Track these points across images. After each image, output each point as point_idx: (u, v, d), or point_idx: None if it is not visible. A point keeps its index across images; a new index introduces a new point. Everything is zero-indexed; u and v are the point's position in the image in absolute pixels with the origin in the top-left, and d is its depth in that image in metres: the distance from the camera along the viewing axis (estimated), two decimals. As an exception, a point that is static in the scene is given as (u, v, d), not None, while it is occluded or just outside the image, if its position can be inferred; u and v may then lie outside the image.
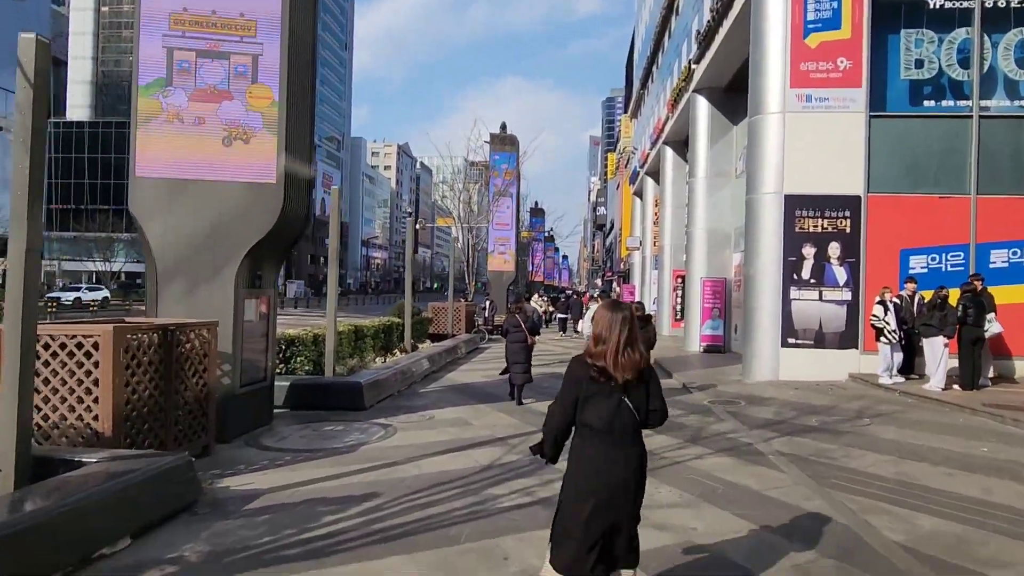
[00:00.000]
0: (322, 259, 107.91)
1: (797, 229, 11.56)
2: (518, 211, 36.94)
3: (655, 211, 29.89)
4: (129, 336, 5.57)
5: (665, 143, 24.26)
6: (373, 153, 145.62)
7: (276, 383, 9.04)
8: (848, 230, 11.48)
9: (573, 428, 3.05)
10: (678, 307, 23.97)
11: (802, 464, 6.30)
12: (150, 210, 7.05)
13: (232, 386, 7.26)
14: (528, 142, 58.59)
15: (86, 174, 75.06)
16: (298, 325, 12.88)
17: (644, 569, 3.96)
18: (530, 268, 64.45)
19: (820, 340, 11.51)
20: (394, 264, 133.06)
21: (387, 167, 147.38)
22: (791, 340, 11.52)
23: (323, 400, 9.15)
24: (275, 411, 8.61)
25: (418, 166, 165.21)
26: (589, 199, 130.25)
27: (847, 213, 11.50)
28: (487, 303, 24.38)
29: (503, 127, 36.29)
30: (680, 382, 11.95)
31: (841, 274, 11.50)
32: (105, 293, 44.44)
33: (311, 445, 7.12)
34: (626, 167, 46.33)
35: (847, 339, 11.46)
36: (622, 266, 46.45)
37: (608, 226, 76.36)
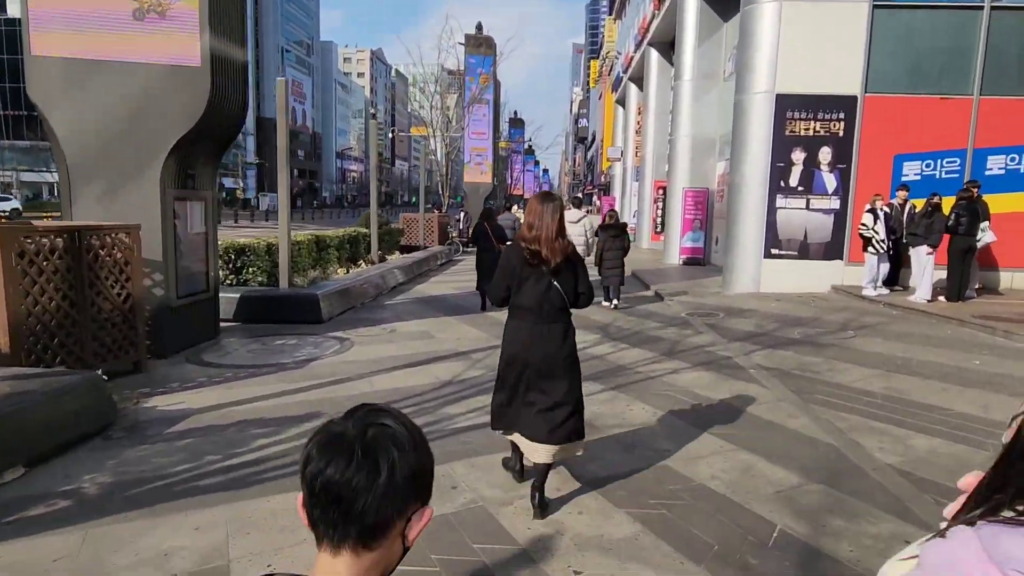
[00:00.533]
0: (296, 171, 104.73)
1: (787, 132, 10.79)
2: (496, 120, 35.39)
3: (638, 120, 28.67)
4: (25, 239, 4.80)
5: (650, 44, 22.80)
6: (345, 59, 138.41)
7: (224, 295, 8.38)
8: (841, 133, 10.74)
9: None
10: (659, 219, 23.33)
11: (785, 379, 5.89)
12: (53, 96, 6.07)
13: (167, 297, 6.56)
14: (505, 42, 55.37)
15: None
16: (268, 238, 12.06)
17: (609, 496, 3.52)
18: (508, 181, 62.94)
19: (804, 251, 11.02)
20: (368, 176, 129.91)
21: (360, 74, 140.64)
22: (774, 251, 11.01)
23: (278, 313, 8.52)
24: (224, 325, 7.99)
25: (393, 74, 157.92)
26: (571, 111, 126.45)
27: (841, 115, 10.71)
28: (461, 215, 23.50)
29: (479, 27, 34.05)
30: (658, 293, 11.49)
31: (831, 181, 10.87)
32: (15, 204, 37.16)
33: (257, 360, 6.54)
34: (609, 74, 44.30)
35: (832, 250, 10.98)
36: (603, 179, 45.39)
37: (590, 139, 74.37)
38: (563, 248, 3.30)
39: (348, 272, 12.13)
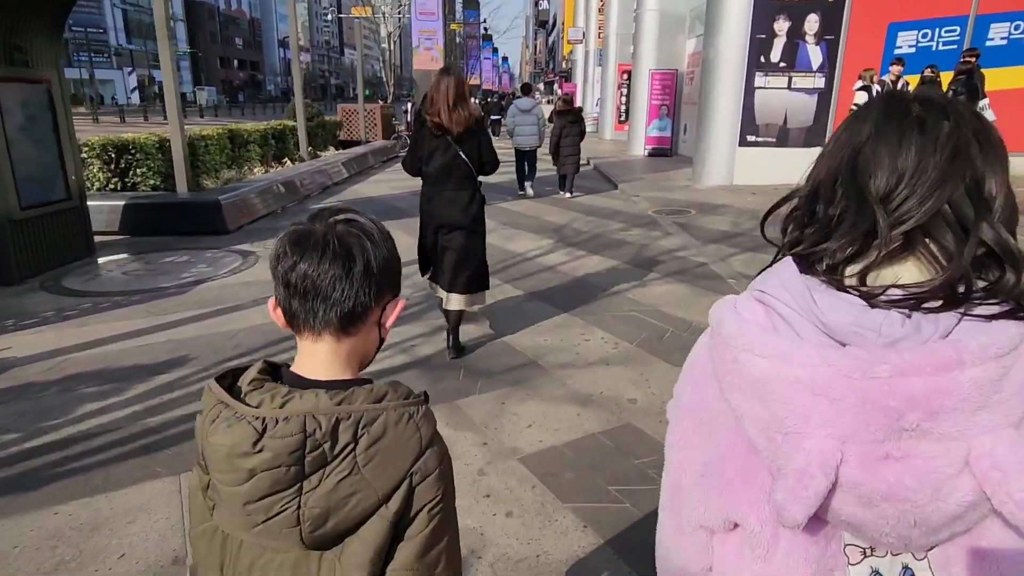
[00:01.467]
0: (236, 62, 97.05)
1: (771, -3, 9.32)
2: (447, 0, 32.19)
3: (600, -4, 26.21)
4: None
5: (615, -96, 20.23)
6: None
7: (102, 203, 6.95)
8: (832, -2, 9.32)
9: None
10: (623, 107, 21.77)
11: (770, 290, 4.92)
12: None
13: (6, 207, 5.15)
14: None
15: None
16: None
17: (560, 458, 2.54)
18: (465, 70, 59.18)
19: (783, 137, 9.87)
20: (319, 68, 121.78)
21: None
22: (750, 138, 9.83)
23: (174, 223, 7.14)
24: (105, 239, 6.64)
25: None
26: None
27: (833, -25, 9.25)
28: (408, 105, 21.44)
29: None
30: (621, 190, 10.33)
31: (816, 55, 9.56)
32: None
33: (131, 285, 5.28)
34: (570, -53, 40.49)
35: (814, 135, 9.85)
36: (564, 64, 42.68)
37: (551, 22, 69.79)
38: (463, 118, 3.47)
39: (270, 171, 10.60)
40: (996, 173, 0.65)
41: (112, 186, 7.65)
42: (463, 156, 3.55)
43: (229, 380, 0.85)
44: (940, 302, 0.61)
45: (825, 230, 0.68)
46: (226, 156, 9.91)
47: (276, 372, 0.88)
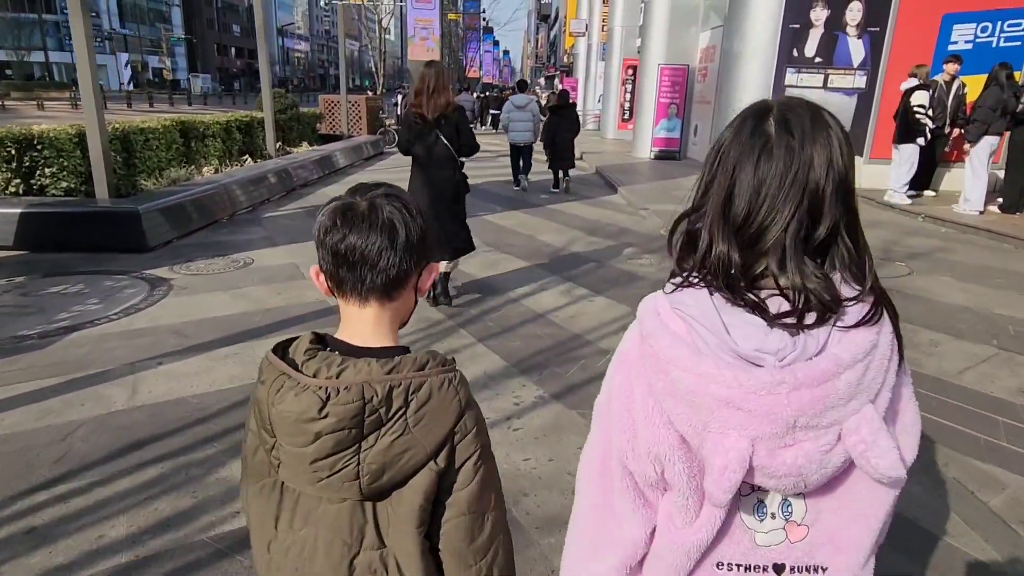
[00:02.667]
0: (233, 49, 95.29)
1: (808, -20, 8.00)
2: (443, -15, 30.80)
3: (605, -14, 24.83)
4: None
5: None
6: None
7: (-11, 211, 5.63)
8: (879, -18, 8.01)
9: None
10: (627, 104, 20.45)
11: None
12: None
13: None
14: None
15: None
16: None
17: None
18: (464, 63, 57.68)
19: (816, 144, 8.57)
20: (318, 57, 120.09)
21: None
22: (778, 144, 8.53)
23: (83, 237, 5.82)
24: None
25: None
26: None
27: (881, -44, 7.93)
28: (399, 97, 20.03)
29: None
30: (627, 200, 9.02)
31: (858, 50, 8.25)
32: None
33: (-17, 330, 3.96)
34: (574, -63, 38.99)
35: (853, 142, 8.55)
36: (566, 59, 41.22)
37: (553, 16, 68.23)
38: (439, 105, 4.01)
39: (224, 171, 9.27)
40: (834, 180, 0.77)
41: (13, 189, 6.30)
42: (443, 140, 4.04)
43: (281, 351, 0.92)
44: (815, 317, 0.76)
45: (705, 254, 0.81)
46: (176, 152, 8.58)
47: (323, 341, 0.95)
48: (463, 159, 4.26)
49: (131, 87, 59.13)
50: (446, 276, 4.44)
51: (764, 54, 8.29)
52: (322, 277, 0.94)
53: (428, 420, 0.87)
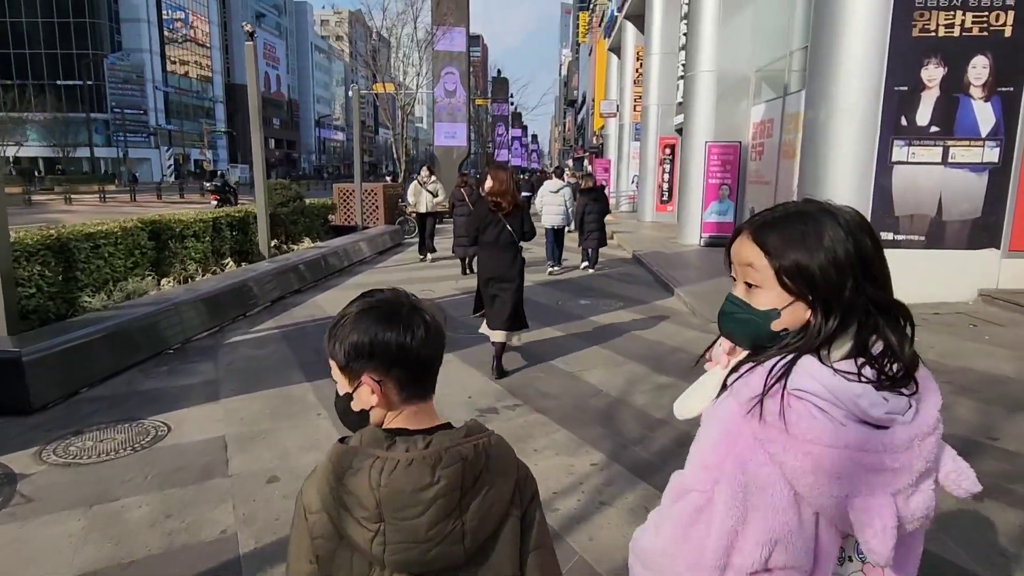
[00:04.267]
0: (272, 141, 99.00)
1: (916, 33, 6.33)
2: (469, 71, 30.50)
3: (637, 67, 24.02)
4: None
5: (654, -36, 18.08)
6: (323, 21, 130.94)
7: None
8: (1009, 32, 6.29)
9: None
10: (665, 185, 18.96)
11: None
12: None
13: None
14: None
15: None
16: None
17: None
18: (491, 147, 57.91)
19: (937, 235, 6.65)
20: (351, 146, 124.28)
21: (339, 38, 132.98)
22: (886, 235, 6.62)
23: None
24: None
25: (375, 36, 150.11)
26: (560, 74, 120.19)
27: (1010, 1, 6.25)
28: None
29: (448, -37, 28.95)
30: (689, 306, 7.13)
31: (986, 115, 6.46)
32: None
33: None
34: (600, 24, 39.17)
35: (983, 232, 6.62)
36: (594, 140, 40.57)
37: (580, 100, 69.06)
38: (513, 201, 4.85)
39: (200, 280, 7.71)
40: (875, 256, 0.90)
41: None
42: (509, 228, 4.82)
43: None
44: (909, 384, 0.87)
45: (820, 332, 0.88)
46: (142, 258, 7.10)
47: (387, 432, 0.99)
48: (523, 243, 4.98)
49: (172, 179, 60.83)
50: (503, 346, 4.87)
51: (862, 119, 6.53)
52: (379, 389, 0.99)
53: (502, 471, 0.98)
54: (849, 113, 6.52)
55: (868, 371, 0.84)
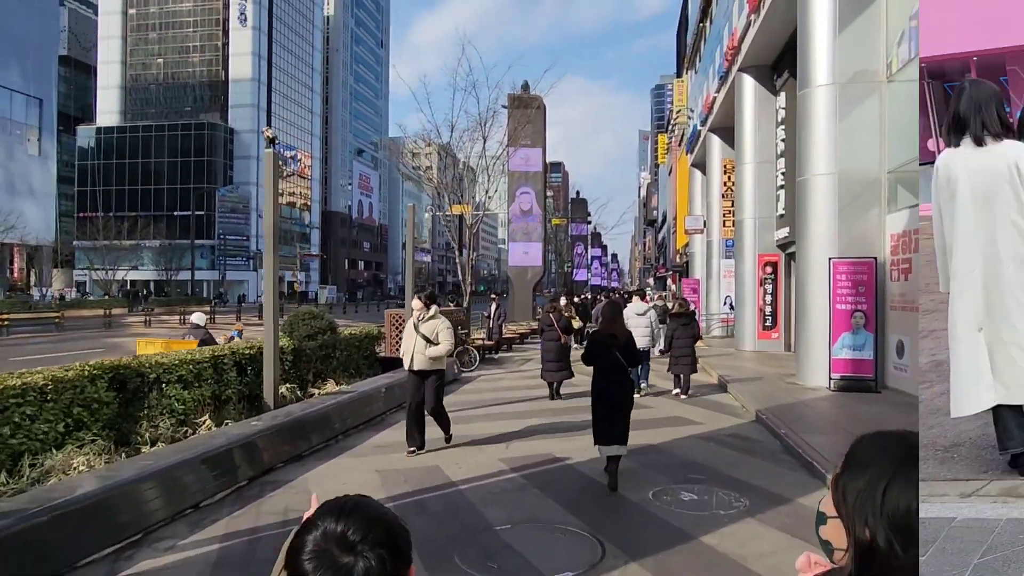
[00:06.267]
0: (361, 263, 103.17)
1: None
2: (545, 190, 29.64)
3: (724, 179, 22.14)
4: None
5: (742, 70, 16.57)
6: (414, 153, 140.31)
7: None
8: None
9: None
10: (767, 308, 16.30)
11: None
12: None
13: None
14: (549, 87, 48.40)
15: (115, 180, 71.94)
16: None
17: None
18: (568, 267, 56.77)
19: None
20: (437, 267, 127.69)
21: (428, 167, 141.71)
22: None
23: None
24: None
25: (461, 166, 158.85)
26: (639, 195, 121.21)
27: None
28: (492, 307, 17.06)
29: (525, 86, 29.17)
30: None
31: None
32: None
33: None
34: (679, 145, 38.26)
35: None
36: (678, 259, 38.33)
37: (660, 219, 67.86)
38: (624, 334, 5.71)
39: (154, 449, 5.79)
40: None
41: None
42: (619, 355, 5.46)
43: None
44: None
45: None
46: (90, 418, 5.35)
47: None
48: (631, 368, 5.74)
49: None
50: (617, 459, 5.33)
51: None
52: None
53: None
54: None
55: None
